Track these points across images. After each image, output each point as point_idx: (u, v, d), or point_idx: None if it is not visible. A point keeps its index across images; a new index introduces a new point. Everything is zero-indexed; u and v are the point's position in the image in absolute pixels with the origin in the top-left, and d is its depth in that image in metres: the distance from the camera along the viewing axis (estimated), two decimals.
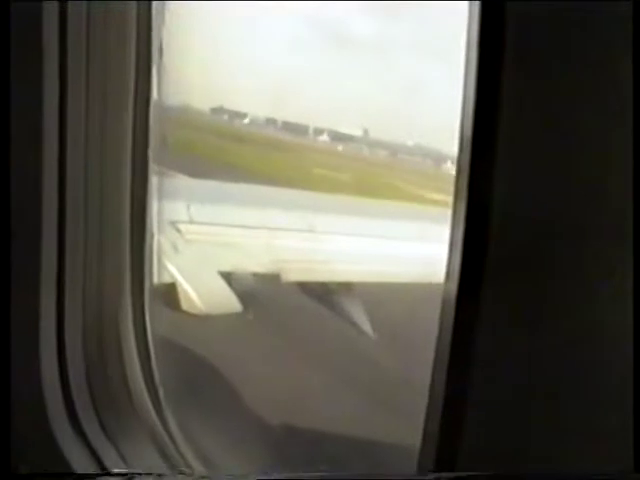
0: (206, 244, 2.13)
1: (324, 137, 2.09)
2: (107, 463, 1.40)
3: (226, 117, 2.09)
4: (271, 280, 2.01)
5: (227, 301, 1.95)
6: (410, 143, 1.85)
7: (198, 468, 1.48)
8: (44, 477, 1.18)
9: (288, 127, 2.13)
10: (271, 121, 2.14)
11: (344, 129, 2.02)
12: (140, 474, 1.37)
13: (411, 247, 1.98)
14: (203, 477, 1.51)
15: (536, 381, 0.81)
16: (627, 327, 0.77)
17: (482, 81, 0.79)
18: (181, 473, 1.47)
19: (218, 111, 2.04)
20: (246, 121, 2.10)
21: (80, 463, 1.39)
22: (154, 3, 1.41)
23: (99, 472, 1.38)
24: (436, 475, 0.87)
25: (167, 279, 1.83)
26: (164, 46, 1.46)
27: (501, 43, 0.75)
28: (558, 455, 0.80)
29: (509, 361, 0.82)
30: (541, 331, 0.81)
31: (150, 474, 1.34)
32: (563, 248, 0.80)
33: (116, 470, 1.40)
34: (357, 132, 2.02)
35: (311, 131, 2.11)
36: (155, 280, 1.62)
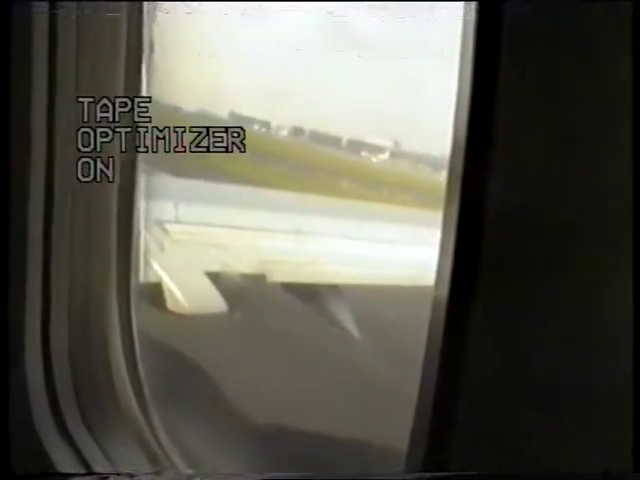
0: (193, 244, 2.12)
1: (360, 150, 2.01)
2: (91, 462, 1.40)
3: (257, 127, 2.03)
4: (257, 280, 2.00)
5: (213, 301, 1.95)
6: (435, 153, 1.81)
7: (183, 467, 1.48)
8: (44, 477, 1.17)
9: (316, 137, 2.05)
10: (299, 131, 2.07)
11: (371, 139, 1.97)
12: (132, 474, 1.37)
13: (401, 250, 1.98)
14: (192, 476, 1.51)
15: (530, 383, 0.81)
16: (627, 327, 0.77)
17: (477, 83, 0.79)
18: (166, 472, 1.46)
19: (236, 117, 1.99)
20: (284, 133, 2.05)
21: (64, 462, 1.38)
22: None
23: (88, 472, 1.38)
24: (429, 475, 0.87)
25: (153, 278, 1.83)
26: (156, 45, 1.46)
27: (497, 44, 0.75)
28: (557, 455, 0.80)
29: (500, 365, 0.82)
30: (534, 334, 0.81)
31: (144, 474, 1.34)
32: (558, 251, 0.80)
33: (100, 469, 1.40)
34: (387, 142, 1.96)
35: (345, 143, 2.04)
36: (141, 279, 1.61)
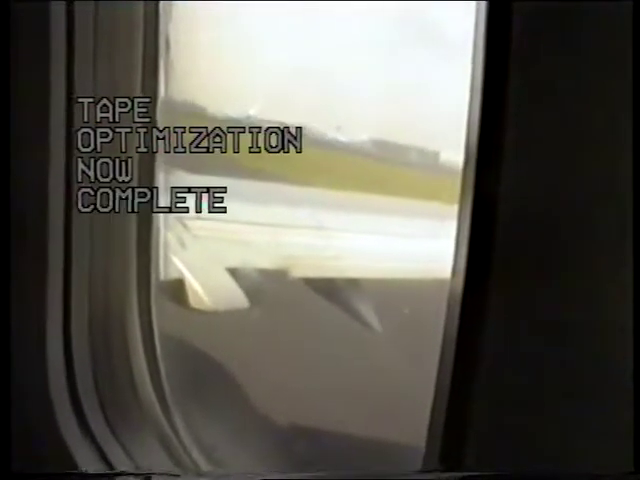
0: (213, 240, 2.12)
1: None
2: (112, 460, 1.41)
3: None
4: (279, 276, 2.00)
5: (234, 297, 1.94)
6: None
7: (203, 465, 1.48)
8: (44, 477, 1.18)
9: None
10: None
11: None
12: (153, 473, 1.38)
13: (420, 244, 1.97)
14: (220, 477, 1.51)
15: (540, 379, 0.81)
16: (627, 326, 0.77)
17: (489, 79, 0.79)
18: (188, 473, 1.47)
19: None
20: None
21: (86, 460, 1.39)
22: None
23: (105, 472, 1.38)
24: (439, 475, 0.86)
25: (174, 275, 1.83)
26: (172, 43, 1.46)
27: (507, 43, 0.75)
28: (558, 454, 0.80)
29: (515, 358, 0.81)
30: (546, 327, 0.80)
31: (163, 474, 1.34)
32: (569, 245, 0.79)
33: (127, 470, 1.40)
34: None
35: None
36: (162, 276, 1.62)
